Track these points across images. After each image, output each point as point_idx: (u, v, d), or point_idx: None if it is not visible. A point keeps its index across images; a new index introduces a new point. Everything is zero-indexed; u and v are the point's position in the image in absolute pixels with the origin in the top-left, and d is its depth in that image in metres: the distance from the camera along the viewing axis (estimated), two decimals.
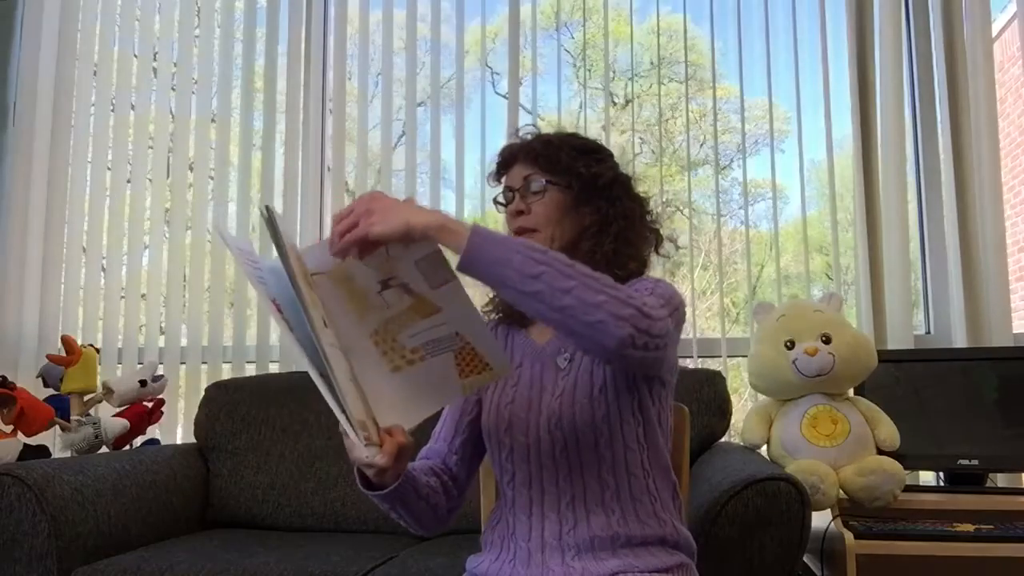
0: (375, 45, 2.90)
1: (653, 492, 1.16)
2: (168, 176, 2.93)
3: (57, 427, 2.20)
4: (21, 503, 1.67)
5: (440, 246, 1.00)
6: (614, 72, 2.87)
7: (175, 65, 2.98)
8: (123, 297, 2.89)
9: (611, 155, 1.29)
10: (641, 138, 2.86)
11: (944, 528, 1.75)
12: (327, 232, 2.76)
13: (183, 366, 2.79)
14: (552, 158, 1.21)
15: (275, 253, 0.97)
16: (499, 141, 2.74)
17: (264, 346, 2.76)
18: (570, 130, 1.33)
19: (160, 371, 2.48)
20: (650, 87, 2.88)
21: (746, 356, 2.11)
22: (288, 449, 2.21)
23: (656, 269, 1.32)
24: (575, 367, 1.17)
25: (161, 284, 2.86)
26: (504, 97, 2.83)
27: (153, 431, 2.46)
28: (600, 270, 1.01)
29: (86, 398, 2.30)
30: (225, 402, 2.30)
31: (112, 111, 2.97)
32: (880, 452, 1.85)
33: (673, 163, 3.00)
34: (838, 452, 1.82)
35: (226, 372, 2.77)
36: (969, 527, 1.75)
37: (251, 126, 2.89)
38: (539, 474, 1.16)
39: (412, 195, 2.73)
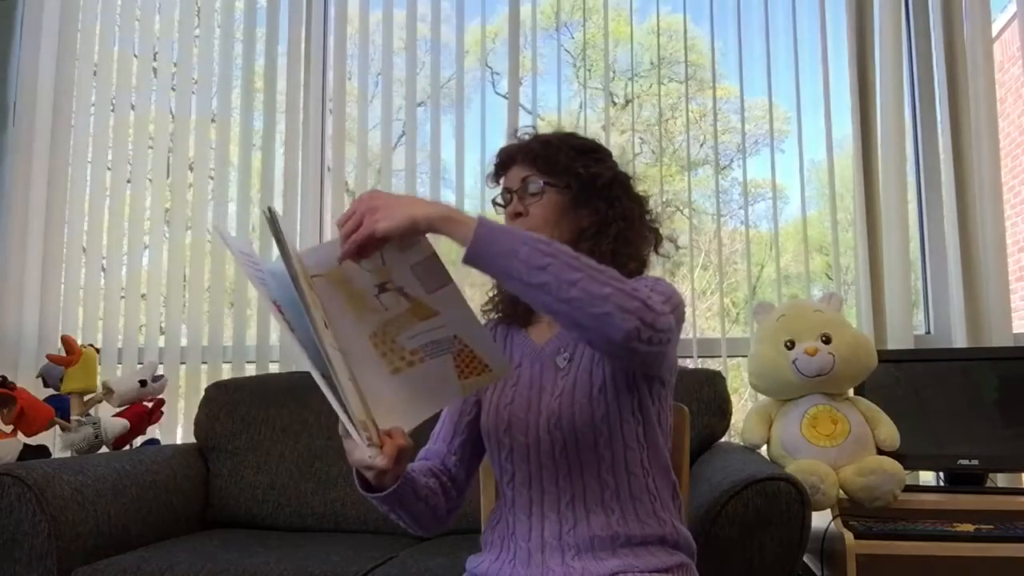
0: (375, 45, 2.90)
1: (653, 491, 1.16)
2: (168, 176, 2.93)
3: (57, 427, 2.20)
4: (21, 503, 1.67)
5: (436, 251, 1.00)
6: (614, 72, 2.87)
7: (175, 65, 2.98)
8: (123, 297, 2.89)
9: (610, 155, 1.28)
10: (641, 138, 2.86)
11: (944, 528, 1.75)
12: (327, 232, 2.80)
13: (183, 366, 2.79)
14: (550, 159, 1.21)
15: (275, 254, 0.98)
16: (499, 141, 2.75)
17: (264, 346, 2.76)
18: (570, 130, 1.33)
19: (160, 371, 2.48)
20: (650, 87, 2.88)
21: (746, 356, 2.11)
22: (288, 449, 2.21)
23: (656, 269, 1.31)
24: (574, 367, 1.17)
25: (161, 284, 2.87)
26: (504, 97, 2.83)
27: (153, 431, 2.46)
28: None
29: (86, 398, 2.30)
30: (225, 402, 2.30)
31: (112, 111, 2.98)
32: (880, 452, 1.85)
33: (673, 163, 3.00)
34: (838, 452, 1.82)
35: (226, 372, 2.77)
36: (969, 527, 1.75)
37: (251, 126, 2.89)
38: (539, 474, 1.16)
39: (411, 194, 2.73)
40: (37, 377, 2.34)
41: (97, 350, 2.38)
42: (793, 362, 1.88)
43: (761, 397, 2.08)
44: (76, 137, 2.96)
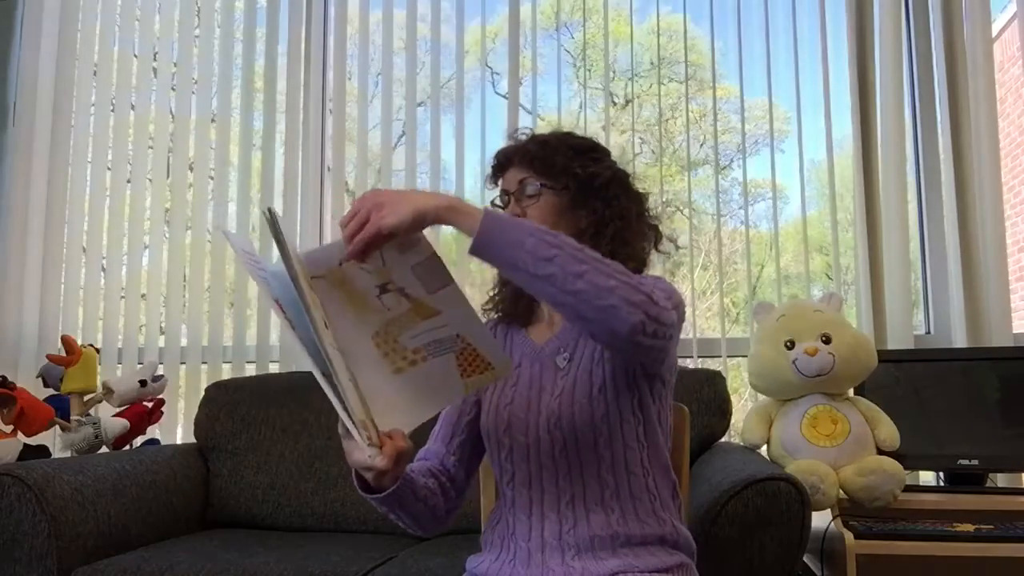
0: (375, 45, 2.90)
1: (653, 491, 1.16)
2: (168, 176, 2.93)
3: (57, 427, 2.20)
4: (21, 503, 1.67)
5: (436, 251, 1.00)
6: (614, 72, 2.87)
7: (175, 65, 2.98)
8: (123, 297, 2.89)
9: (608, 153, 1.28)
10: (641, 138, 2.86)
11: (944, 528, 1.75)
12: (327, 232, 2.80)
13: (183, 366, 2.79)
14: (547, 161, 1.20)
15: (275, 255, 0.98)
16: (499, 141, 2.72)
17: (264, 346, 2.76)
18: (569, 129, 1.33)
19: (160, 371, 2.48)
20: (650, 87, 2.87)
21: (746, 356, 2.11)
22: (288, 449, 2.21)
23: (656, 268, 1.31)
24: (574, 367, 1.17)
25: (161, 284, 2.87)
26: (504, 97, 2.83)
27: (153, 431, 2.46)
28: None
29: (86, 398, 2.30)
30: (225, 402, 2.30)
31: (112, 111, 2.98)
32: (880, 452, 1.85)
33: (673, 163, 3.00)
34: (838, 452, 1.82)
35: (226, 372, 2.77)
36: (969, 527, 1.75)
37: (251, 126, 2.89)
38: (539, 474, 1.16)
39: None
40: (37, 377, 2.34)
41: (97, 350, 2.38)
42: (793, 362, 1.88)
43: (761, 397, 2.08)
44: (76, 137, 2.96)
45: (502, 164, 1.26)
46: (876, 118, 2.47)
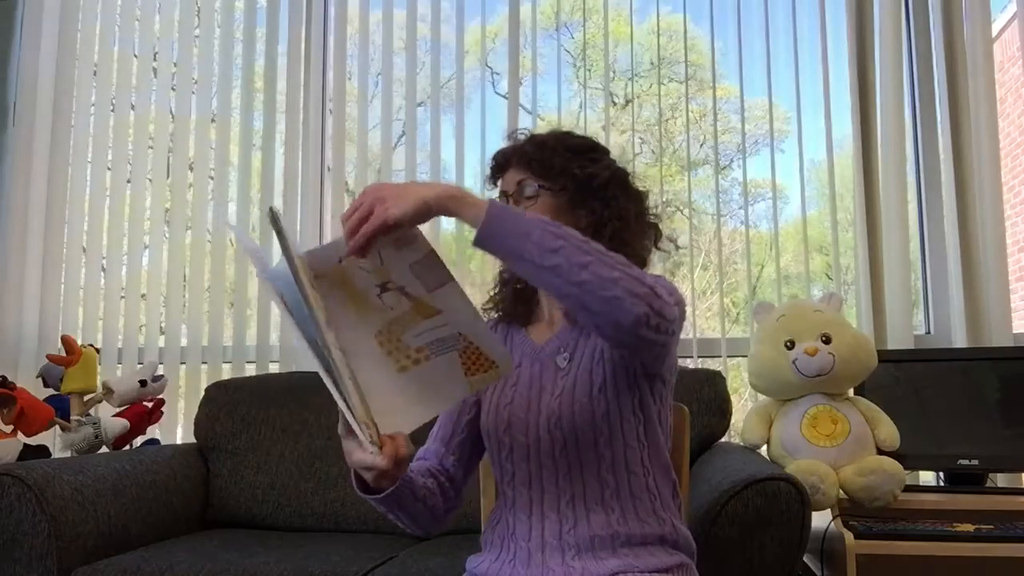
0: (375, 45, 2.90)
1: (653, 490, 1.16)
2: (168, 176, 2.93)
3: (57, 427, 2.20)
4: (21, 503, 1.67)
5: (433, 249, 0.99)
6: (614, 72, 2.87)
7: (175, 65, 2.98)
8: (123, 297, 2.89)
9: (607, 152, 1.27)
10: (641, 138, 2.86)
11: (944, 528, 1.75)
12: (327, 232, 2.80)
13: (183, 366, 2.79)
14: (545, 162, 1.20)
15: (276, 252, 0.98)
16: (499, 141, 2.72)
17: (264, 346, 2.76)
18: (568, 129, 1.33)
19: (160, 371, 2.48)
20: (650, 87, 2.87)
21: (746, 356, 2.11)
22: (288, 449, 2.21)
23: (656, 268, 1.31)
24: (575, 366, 1.17)
25: (161, 284, 2.87)
26: (504, 97, 2.83)
27: (153, 431, 2.46)
28: None
29: (86, 398, 2.30)
30: (225, 402, 2.30)
31: (112, 111, 2.98)
32: (880, 452, 1.85)
33: (673, 163, 3.00)
34: (838, 452, 1.82)
35: (226, 372, 2.77)
36: (969, 527, 1.75)
37: (251, 126, 2.89)
38: (539, 473, 1.16)
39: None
40: (37, 377, 2.34)
41: (97, 350, 2.38)
42: (793, 362, 1.88)
43: (761, 397, 2.08)
44: (76, 137, 2.96)
45: (501, 165, 1.26)
46: (876, 118, 2.47)
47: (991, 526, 1.76)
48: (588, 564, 1.11)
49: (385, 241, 0.98)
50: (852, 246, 2.52)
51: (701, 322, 2.99)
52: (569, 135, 1.27)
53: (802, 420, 1.88)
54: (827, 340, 1.89)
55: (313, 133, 2.82)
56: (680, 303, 1.09)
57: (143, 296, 2.87)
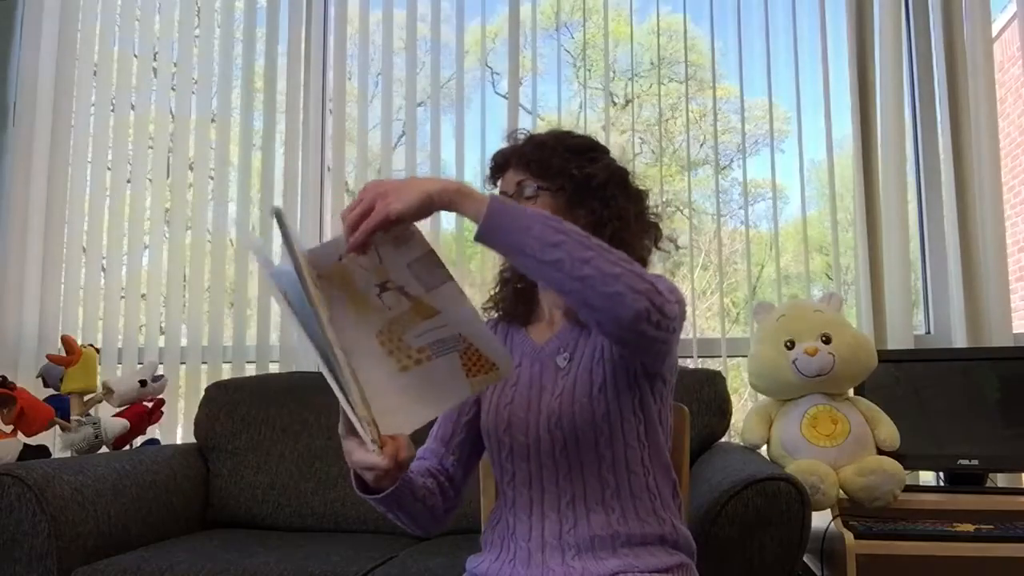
0: (375, 45, 2.90)
1: (653, 490, 1.16)
2: (168, 176, 2.93)
3: (57, 427, 2.20)
4: (21, 503, 1.67)
5: (432, 248, 0.99)
6: (614, 72, 2.87)
7: (175, 65, 2.98)
8: (123, 297, 2.89)
9: (606, 152, 1.27)
10: (641, 138, 2.86)
11: (944, 528, 1.75)
12: (327, 232, 2.80)
13: (183, 366, 2.79)
14: (544, 163, 1.20)
15: (277, 250, 0.97)
16: (499, 141, 2.73)
17: (264, 346, 2.76)
18: (568, 128, 1.32)
19: (160, 371, 2.48)
20: (650, 87, 2.87)
21: (746, 356, 2.11)
22: (288, 449, 2.21)
23: (656, 267, 1.31)
24: (575, 366, 1.17)
25: (161, 284, 2.87)
26: (504, 97, 2.83)
27: (153, 431, 2.46)
28: None
29: (86, 398, 2.30)
30: (225, 402, 2.30)
31: (112, 111, 2.98)
32: (880, 452, 1.85)
33: (673, 163, 3.00)
34: (838, 452, 1.82)
35: (226, 372, 2.77)
36: (969, 527, 1.75)
37: (251, 126, 2.89)
38: (539, 473, 1.16)
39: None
40: (37, 377, 2.34)
41: (97, 350, 2.38)
42: (793, 362, 1.88)
43: (761, 397, 2.08)
44: (76, 137, 2.96)
45: (500, 166, 1.26)
46: (876, 118, 2.47)
47: (991, 526, 1.76)
48: (588, 564, 1.11)
49: (384, 239, 0.98)
50: (852, 246, 2.52)
51: (701, 322, 2.99)
52: (568, 135, 1.27)
53: (802, 420, 1.88)
54: (827, 340, 1.89)
55: (313, 133, 2.82)
56: (681, 302, 1.08)
57: (143, 296, 2.87)
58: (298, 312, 0.97)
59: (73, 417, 2.22)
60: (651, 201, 1.29)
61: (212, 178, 2.91)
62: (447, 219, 2.74)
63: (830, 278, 2.74)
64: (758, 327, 2.04)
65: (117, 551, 1.81)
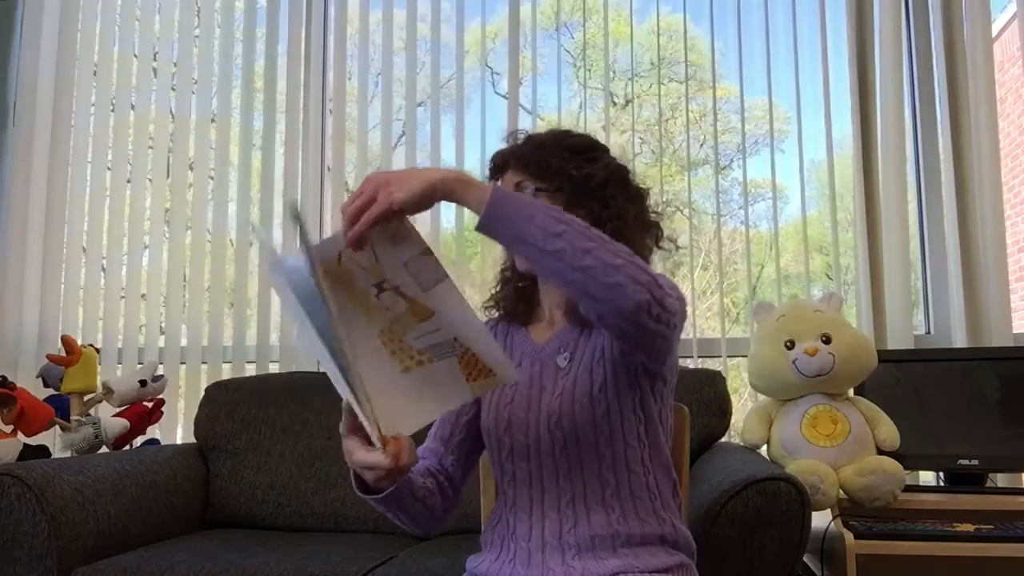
0: (375, 45, 2.90)
1: (653, 490, 1.16)
2: (168, 176, 2.93)
3: (57, 427, 2.20)
4: (21, 503, 1.67)
5: (429, 247, 0.99)
6: (614, 72, 2.87)
7: (175, 65, 2.98)
8: (123, 297, 2.89)
9: (606, 151, 1.27)
10: (641, 138, 2.86)
11: (944, 528, 1.75)
12: (327, 233, 2.80)
13: (183, 366, 2.79)
14: (542, 163, 1.20)
15: (278, 245, 0.97)
16: (499, 141, 2.73)
17: (264, 346, 2.76)
18: (567, 127, 1.32)
19: (160, 371, 2.48)
20: (650, 87, 2.87)
21: (746, 356, 2.11)
22: (288, 449, 2.21)
23: (656, 267, 1.31)
24: (575, 366, 1.17)
25: (161, 284, 2.87)
26: (504, 97, 2.83)
27: (153, 431, 2.46)
28: None
29: (86, 398, 2.30)
30: (225, 402, 2.30)
31: (112, 111, 2.98)
32: (880, 452, 1.85)
33: (673, 163, 3.00)
34: (838, 452, 1.82)
35: (226, 372, 2.77)
36: (969, 527, 1.75)
37: (251, 126, 2.89)
38: (539, 473, 1.16)
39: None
40: (37, 377, 2.34)
41: (97, 350, 2.38)
42: (793, 362, 1.88)
43: (761, 397, 2.08)
44: (76, 137, 2.96)
45: (499, 167, 1.26)
46: (876, 118, 2.47)
47: (991, 526, 1.76)
48: (588, 564, 1.11)
49: (381, 235, 0.97)
50: (852, 246, 2.52)
51: (701, 322, 2.99)
52: (568, 134, 1.26)
53: (802, 420, 1.88)
54: (827, 340, 1.89)
55: (313, 133, 2.82)
56: (681, 299, 1.08)
57: (143, 296, 2.87)
58: (305, 306, 0.96)
59: (73, 417, 2.22)
60: (651, 200, 1.29)
61: (212, 178, 2.91)
62: (447, 219, 2.75)
63: (830, 278, 2.74)
64: (758, 327, 2.04)
65: (117, 551, 1.81)
